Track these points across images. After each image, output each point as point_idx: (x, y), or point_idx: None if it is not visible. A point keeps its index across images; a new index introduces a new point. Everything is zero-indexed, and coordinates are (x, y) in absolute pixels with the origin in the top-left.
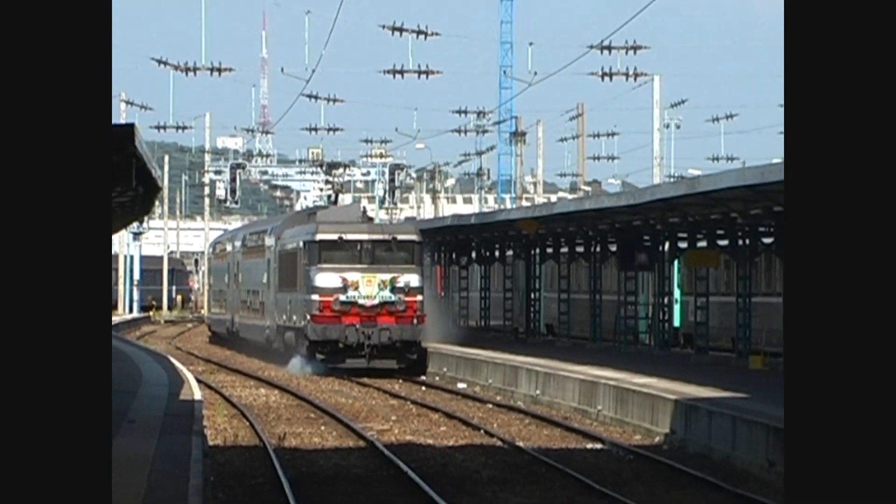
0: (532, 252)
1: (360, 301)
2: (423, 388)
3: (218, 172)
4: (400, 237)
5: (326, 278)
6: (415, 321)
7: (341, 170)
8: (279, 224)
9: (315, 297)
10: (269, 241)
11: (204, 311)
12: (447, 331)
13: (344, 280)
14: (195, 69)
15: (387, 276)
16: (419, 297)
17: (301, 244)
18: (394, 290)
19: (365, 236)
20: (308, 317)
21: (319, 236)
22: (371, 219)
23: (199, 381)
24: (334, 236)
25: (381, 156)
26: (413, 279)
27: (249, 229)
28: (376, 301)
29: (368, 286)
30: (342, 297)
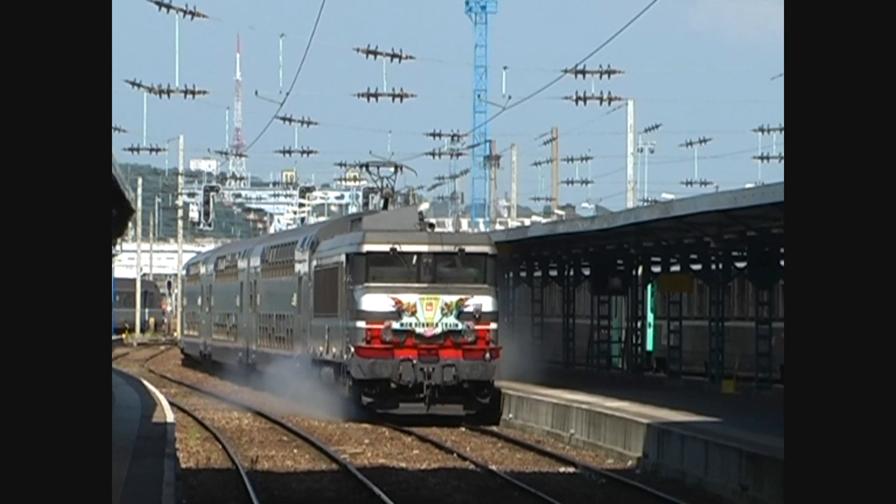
0: (505, 276)
1: (419, 329)
2: None
3: (191, 195)
4: (469, 249)
5: (375, 300)
6: (487, 356)
7: (392, 171)
8: (314, 234)
9: (361, 324)
10: (300, 255)
11: (177, 334)
12: None
13: (398, 303)
14: (169, 91)
15: (452, 299)
16: (493, 325)
17: (343, 258)
18: (461, 315)
19: (424, 247)
20: (352, 349)
21: (367, 247)
22: (432, 225)
23: (171, 403)
24: (385, 247)
25: (355, 179)
26: (485, 302)
27: (269, 242)
28: (438, 330)
29: (429, 311)
30: (395, 325)
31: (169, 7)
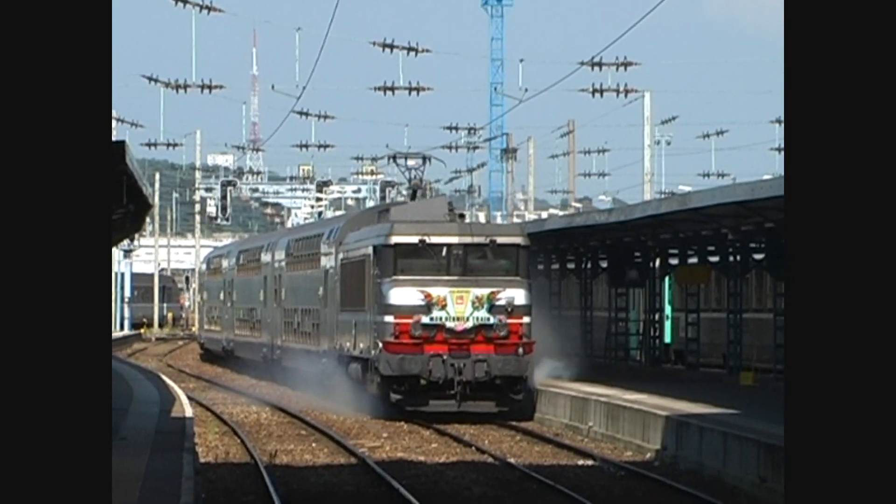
0: None
1: (449, 324)
2: None
3: (209, 189)
4: (500, 240)
5: (404, 294)
6: (520, 350)
7: (416, 161)
8: (340, 226)
9: (389, 318)
10: (327, 247)
11: (195, 329)
12: None
13: (427, 296)
14: (186, 86)
15: (483, 292)
16: (525, 319)
17: (370, 250)
18: (492, 309)
19: (455, 239)
20: (380, 344)
21: (395, 239)
22: (462, 216)
23: (190, 398)
24: (414, 239)
25: (372, 173)
26: (518, 295)
27: (294, 234)
28: (469, 324)
29: (459, 304)
30: (425, 319)
31: (185, 2)
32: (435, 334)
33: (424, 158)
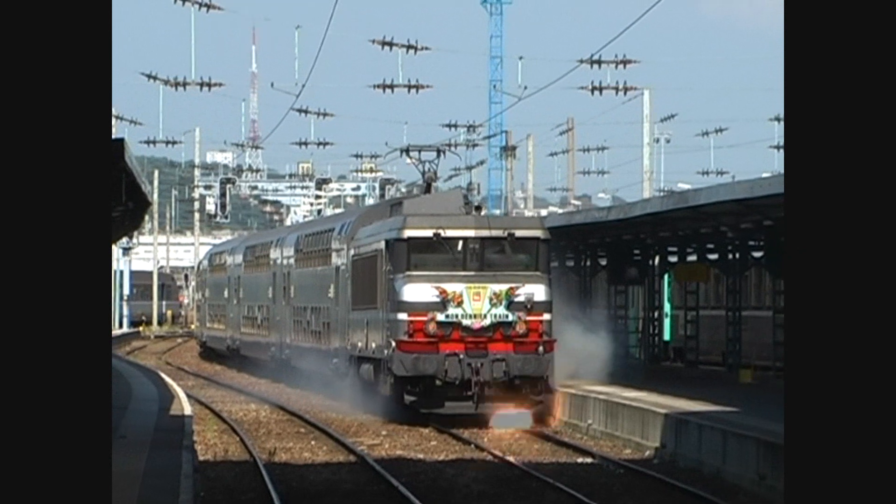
0: None
1: (465, 321)
2: None
3: (208, 187)
4: (519, 233)
5: (418, 290)
6: (540, 349)
7: (434, 155)
8: (352, 221)
9: (402, 316)
10: (338, 243)
11: (194, 327)
12: None
13: (442, 292)
14: (185, 84)
15: (501, 288)
16: (546, 316)
17: (382, 245)
18: (511, 305)
19: (471, 232)
20: (393, 343)
21: (408, 233)
22: (479, 208)
23: (189, 396)
24: (428, 233)
25: (371, 170)
26: (537, 291)
27: (304, 230)
28: (487, 321)
29: (476, 301)
30: (440, 317)
31: (184, 0)
32: (451, 332)
33: (439, 151)
